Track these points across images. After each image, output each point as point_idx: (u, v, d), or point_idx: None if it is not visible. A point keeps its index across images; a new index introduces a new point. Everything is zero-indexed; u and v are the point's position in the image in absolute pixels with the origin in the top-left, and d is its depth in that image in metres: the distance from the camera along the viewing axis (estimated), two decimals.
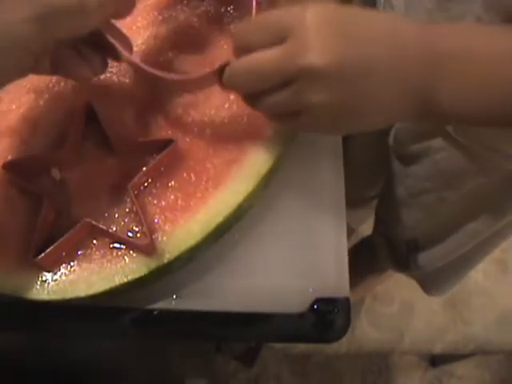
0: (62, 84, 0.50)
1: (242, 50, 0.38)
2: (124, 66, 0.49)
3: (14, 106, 0.52)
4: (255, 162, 0.44)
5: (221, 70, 0.40)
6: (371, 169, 0.92)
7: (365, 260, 1.12)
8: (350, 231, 1.27)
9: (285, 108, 0.39)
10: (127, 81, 0.48)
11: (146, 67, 0.42)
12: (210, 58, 0.50)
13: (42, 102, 0.50)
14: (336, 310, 0.45)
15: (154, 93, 0.47)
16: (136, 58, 0.43)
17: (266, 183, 0.45)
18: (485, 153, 0.59)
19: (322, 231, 0.47)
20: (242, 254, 0.46)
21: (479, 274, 1.22)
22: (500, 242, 0.80)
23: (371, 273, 1.14)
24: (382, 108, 0.39)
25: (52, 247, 0.42)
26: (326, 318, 0.45)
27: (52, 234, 0.45)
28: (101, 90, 0.49)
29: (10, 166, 0.45)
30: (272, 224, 0.47)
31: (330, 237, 0.47)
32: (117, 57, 0.42)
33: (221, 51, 0.50)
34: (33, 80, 0.52)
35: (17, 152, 0.49)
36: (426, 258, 0.80)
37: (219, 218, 0.43)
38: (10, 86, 0.52)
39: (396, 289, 1.17)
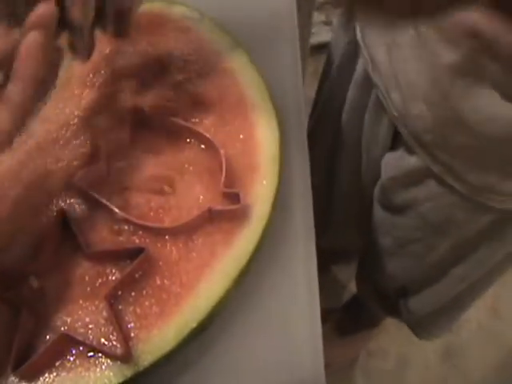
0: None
1: None
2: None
3: None
4: (226, 266, 0.46)
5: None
6: (356, 222, 0.93)
7: (356, 315, 1.12)
8: (342, 288, 1.28)
9: None
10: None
11: (138, 222, 0.46)
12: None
13: (17, 211, 0.52)
14: None
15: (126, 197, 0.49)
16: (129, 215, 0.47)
17: (237, 285, 0.46)
18: (478, 195, 0.59)
19: (296, 326, 0.48)
20: (220, 350, 0.47)
21: (472, 324, 1.22)
22: (488, 287, 0.81)
23: (363, 328, 1.14)
24: None
25: (30, 360, 0.43)
26: None
27: (31, 342, 0.46)
28: None
29: None
30: (246, 321, 0.48)
31: (306, 330, 0.48)
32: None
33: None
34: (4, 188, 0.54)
35: None
36: (417, 303, 0.81)
37: (193, 324, 0.43)
38: None
39: (390, 343, 1.17)
